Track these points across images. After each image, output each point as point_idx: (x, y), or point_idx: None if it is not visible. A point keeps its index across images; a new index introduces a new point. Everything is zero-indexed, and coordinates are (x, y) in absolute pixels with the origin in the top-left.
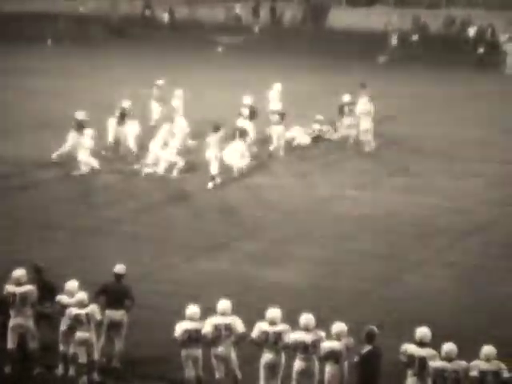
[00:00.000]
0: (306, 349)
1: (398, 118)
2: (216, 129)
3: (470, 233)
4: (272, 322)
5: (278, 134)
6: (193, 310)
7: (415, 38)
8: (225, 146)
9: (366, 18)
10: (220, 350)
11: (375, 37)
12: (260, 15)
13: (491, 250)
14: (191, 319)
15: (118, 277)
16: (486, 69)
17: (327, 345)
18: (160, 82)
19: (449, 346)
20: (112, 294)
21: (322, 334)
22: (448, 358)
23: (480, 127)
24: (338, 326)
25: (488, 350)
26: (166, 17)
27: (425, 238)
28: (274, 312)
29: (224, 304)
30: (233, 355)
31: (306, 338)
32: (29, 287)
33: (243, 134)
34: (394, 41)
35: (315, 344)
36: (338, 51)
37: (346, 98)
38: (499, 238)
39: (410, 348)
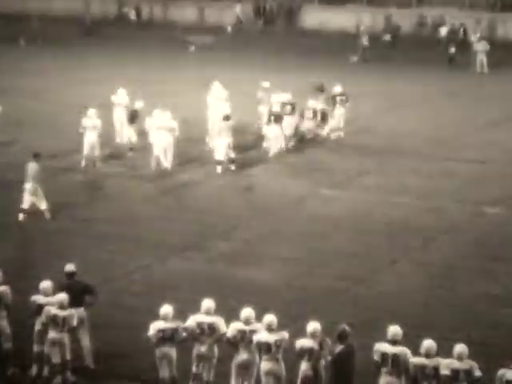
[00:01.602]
0: (269, 349)
1: (371, 118)
2: (226, 118)
3: (443, 232)
4: (247, 322)
5: (290, 124)
6: (166, 309)
7: (387, 37)
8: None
9: (338, 17)
10: (203, 349)
11: (348, 36)
12: (262, 16)
13: (464, 250)
14: (165, 319)
15: (69, 275)
16: (458, 68)
17: (298, 343)
18: (266, 84)
19: (428, 343)
20: (67, 293)
21: (286, 334)
22: (428, 355)
23: (453, 126)
24: (312, 325)
25: (460, 348)
26: (133, 15)
27: (398, 237)
28: (248, 312)
29: (208, 303)
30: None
31: (269, 338)
32: (2, 288)
33: (278, 118)
34: (365, 41)
35: (278, 344)
36: (311, 51)
37: (338, 88)
38: (472, 238)
39: (383, 347)
